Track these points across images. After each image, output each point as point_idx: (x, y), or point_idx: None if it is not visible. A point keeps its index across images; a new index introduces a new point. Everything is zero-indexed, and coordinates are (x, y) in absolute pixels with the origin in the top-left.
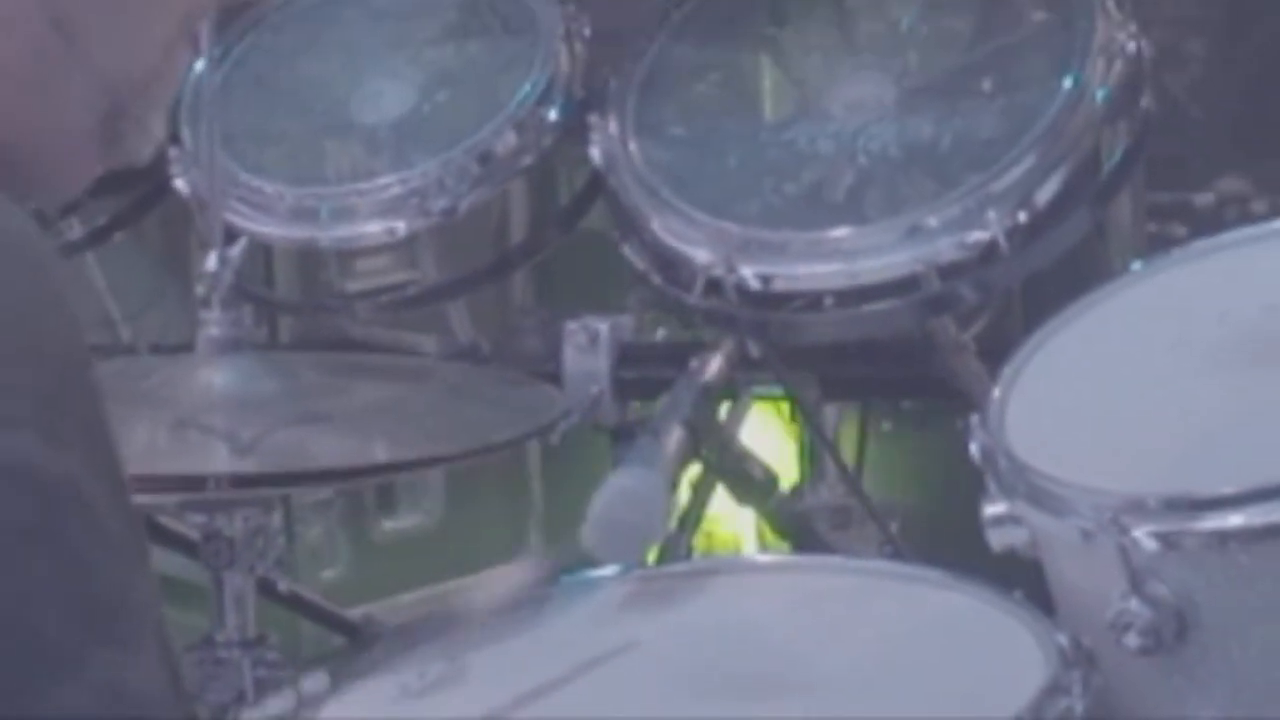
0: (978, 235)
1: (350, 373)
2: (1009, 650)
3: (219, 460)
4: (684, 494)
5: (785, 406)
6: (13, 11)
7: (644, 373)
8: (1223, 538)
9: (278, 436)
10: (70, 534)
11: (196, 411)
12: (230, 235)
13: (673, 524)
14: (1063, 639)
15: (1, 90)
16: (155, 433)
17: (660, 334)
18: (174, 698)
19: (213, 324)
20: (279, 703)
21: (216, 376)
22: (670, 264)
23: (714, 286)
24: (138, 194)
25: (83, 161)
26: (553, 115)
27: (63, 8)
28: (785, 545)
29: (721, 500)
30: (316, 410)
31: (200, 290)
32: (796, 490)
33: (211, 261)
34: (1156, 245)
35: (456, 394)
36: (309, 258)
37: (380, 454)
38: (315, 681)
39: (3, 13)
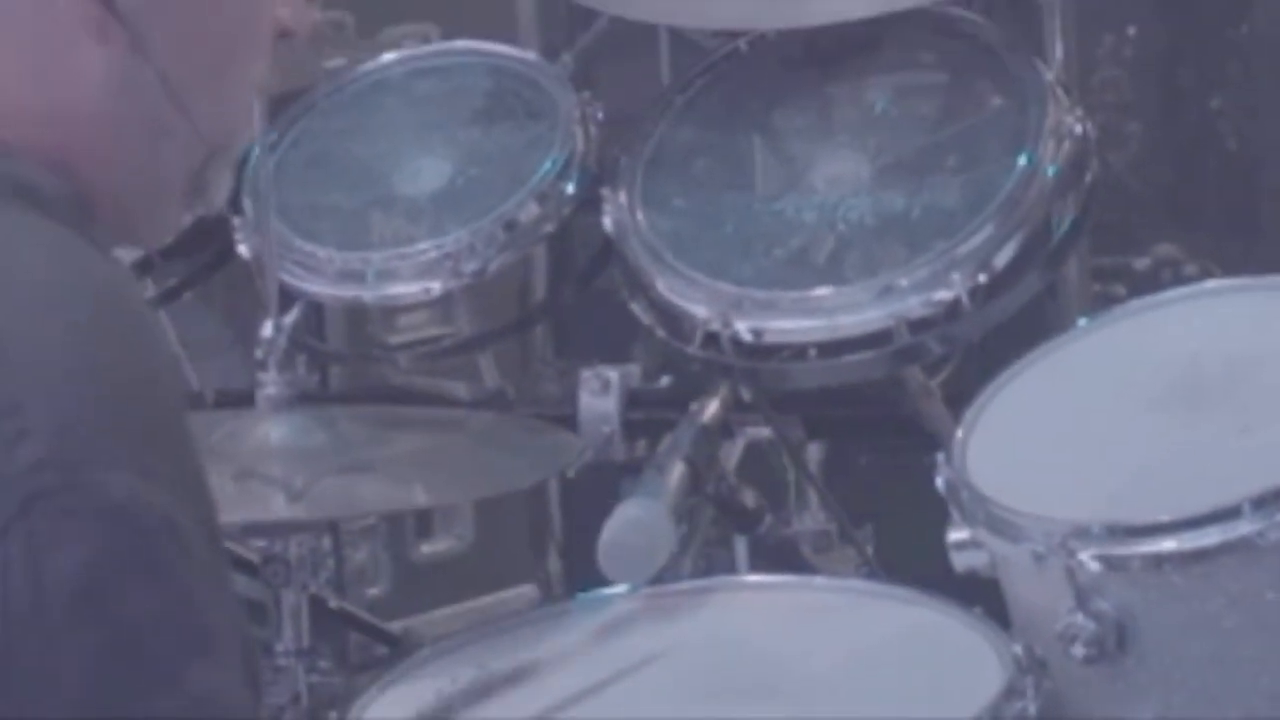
0: (943, 294)
1: (390, 424)
2: (971, 659)
3: (277, 507)
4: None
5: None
6: (134, 76)
7: (649, 415)
8: (1158, 560)
9: (326, 483)
10: (165, 562)
11: (257, 462)
12: (286, 294)
13: (675, 547)
14: (1018, 649)
15: (119, 146)
16: (223, 482)
17: (664, 381)
18: (256, 705)
19: (270, 384)
20: None
21: (273, 431)
22: (673, 319)
23: (711, 339)
24: (205, 258)
25: (175, 209)
26: (570, 189)
27: (175, 73)
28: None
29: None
30: (360, 459)
31: (259, 353)
32: (783, 517)
33: (268, 329)
34: (1100, 304)
35: (484, 442)
36: (356, 314)
37: (418, 497)
38: None
39: (125, 78)
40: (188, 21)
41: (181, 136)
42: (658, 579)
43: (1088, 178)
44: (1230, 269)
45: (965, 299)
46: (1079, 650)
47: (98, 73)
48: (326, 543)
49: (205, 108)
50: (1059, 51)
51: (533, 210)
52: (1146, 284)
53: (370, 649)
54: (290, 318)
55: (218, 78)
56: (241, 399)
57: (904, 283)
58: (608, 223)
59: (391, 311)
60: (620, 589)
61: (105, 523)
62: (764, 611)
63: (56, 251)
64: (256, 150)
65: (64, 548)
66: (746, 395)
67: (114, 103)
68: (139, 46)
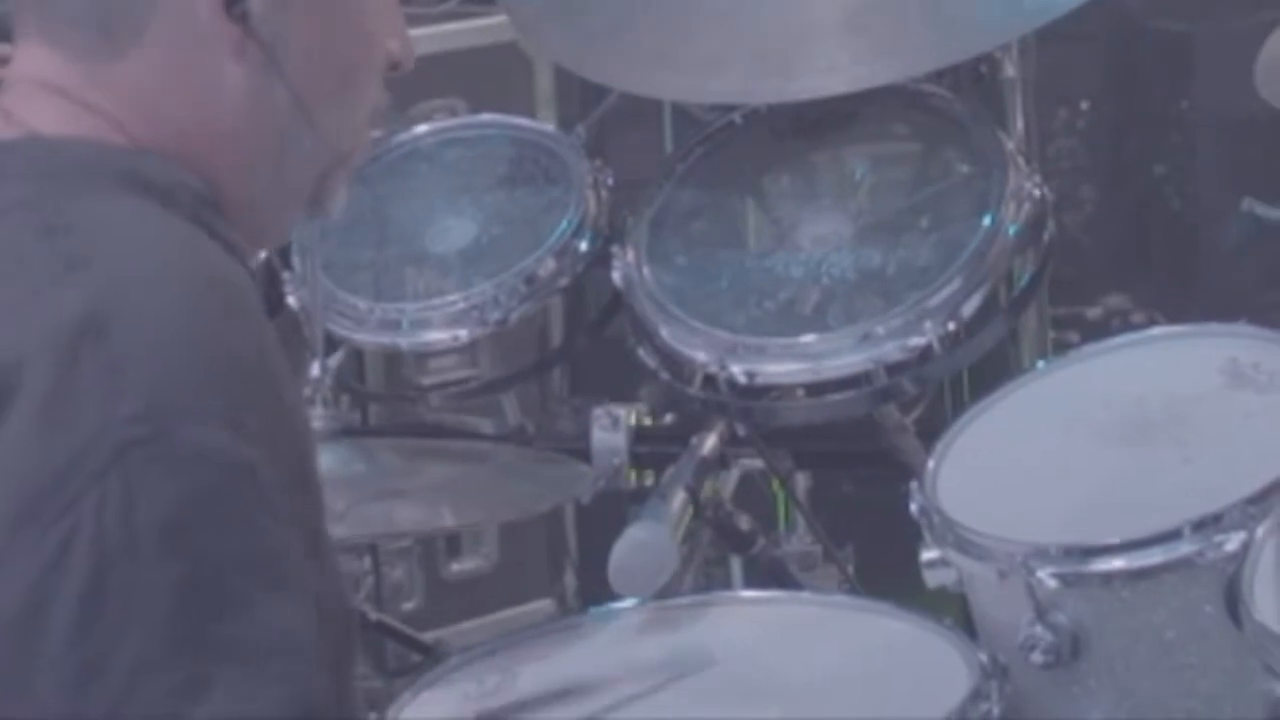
0: (916, 341)
1: (422, 456)
2: (941, 665)
3: None
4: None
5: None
6: (267, 91)
7: (654, 448)
8: (1108, 578)
9: (365, 507)
10: (245, 508)
11: None
12: (330, 340)
13: (677, 566)
14: (983, 657)
15: (251, 155)
16: None
17: (667, 418)
18: (317, 635)
19: (316, 419)
20: None
21: (319, 461)
22: (675, 363)
23: (709, 381)
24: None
25: (294, 216)
26: (583, 246)
27: (303, 90)
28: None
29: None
30: (396, 487)
31: (307, 392)
32: (774, 539)
33: (315, 371)
34: (1056, 349)
35: (507, 471)
36: (392, 359)
37: (447, 521)
38: None
39: (259, 92)
40: (316, 43)
41: (306, 148)
42: (662, 594)
43: (1045, 236)
44: (1173, 317)
45: (936, 345)
46: (1038, 658)
47: (235, 87)
48: (366, 561)
49: (329, 122)
50: (1019, 123)
51: (550, 266)
52: (1098, 331)
53: (405, 657)
54: (334, 361)
55: (340, 95)
56: None
57: (881, 330)
58: (617, 277)
59: (424, 356)
60: (629, 603)
61: (190, 470)
62: (757, 623)
63: (173, 235)
64: None
65: (152, 491)
66: (741, 431)
67: (248, 115)
68: (272, 65)
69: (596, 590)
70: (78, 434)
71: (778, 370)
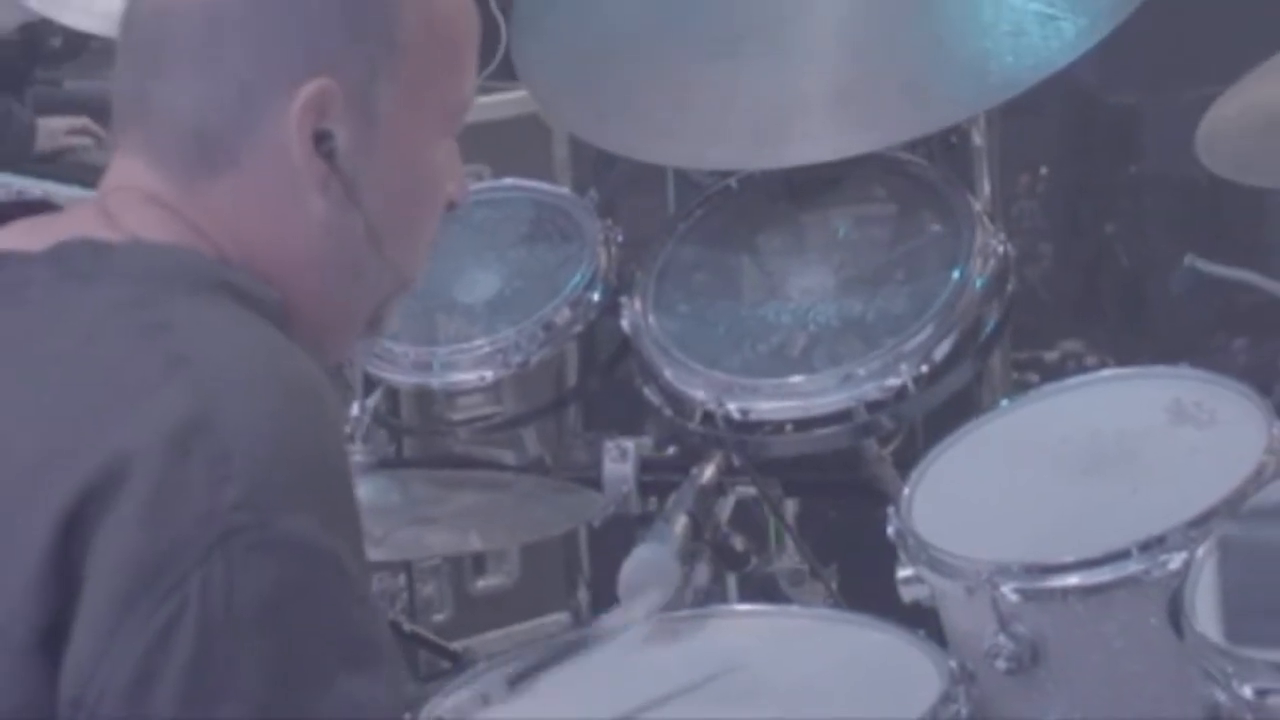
0: (893, 381)
1: (451, 485)
2: (915, 671)
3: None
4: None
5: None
6: (345, 223)
7: (659, 477)
8: (1064, 593)
9: (401, 532)
10: (331, 592)
11: None
12: (368, 381)
13: (679, 582)
14: (953, 663)
15: (324, 278)
16: None
17: (670, 450)
18: (401, 710)
19: (356, 453)
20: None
21: (359, 490)
22: (677, 401)
23: (708, 417)
24: None
25: (353, 337)
26: (596, 297)
27: (378, 221)
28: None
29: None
30: (428, 513)
31: (347, 429)
32: (765, 558)
33: (355, 409)
34: (1018, 389)
35: (527, 498)
36: (424, 397)
37: (474, 543)
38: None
39: (338, 223)
40: (390, 182)
41: (373, 275)
42: (666, 607)
43: (1008, 288)
44: (1123, 360)
45: (911, 385)
46: (1001, 664)
47: (317, 216)
48: (401, 579)
49: (397, 252)
50: (985, 187)
51: (566, 314)
52: (1055, 373)
53: (436, 664)
54: (372, 400)
55: (407, 228)
56: None
57: (862, 372)
58: (625, 324)
59: (453, 395)
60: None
61: (285, 557)
62: (750, 633)
63: (264, 339)
64: None
65: (251, 574)
66: (736, 462)
67: (326, 243)
68: (352, 198)
69: (607, 604)
70: (185, 519)
71: (769, 407)
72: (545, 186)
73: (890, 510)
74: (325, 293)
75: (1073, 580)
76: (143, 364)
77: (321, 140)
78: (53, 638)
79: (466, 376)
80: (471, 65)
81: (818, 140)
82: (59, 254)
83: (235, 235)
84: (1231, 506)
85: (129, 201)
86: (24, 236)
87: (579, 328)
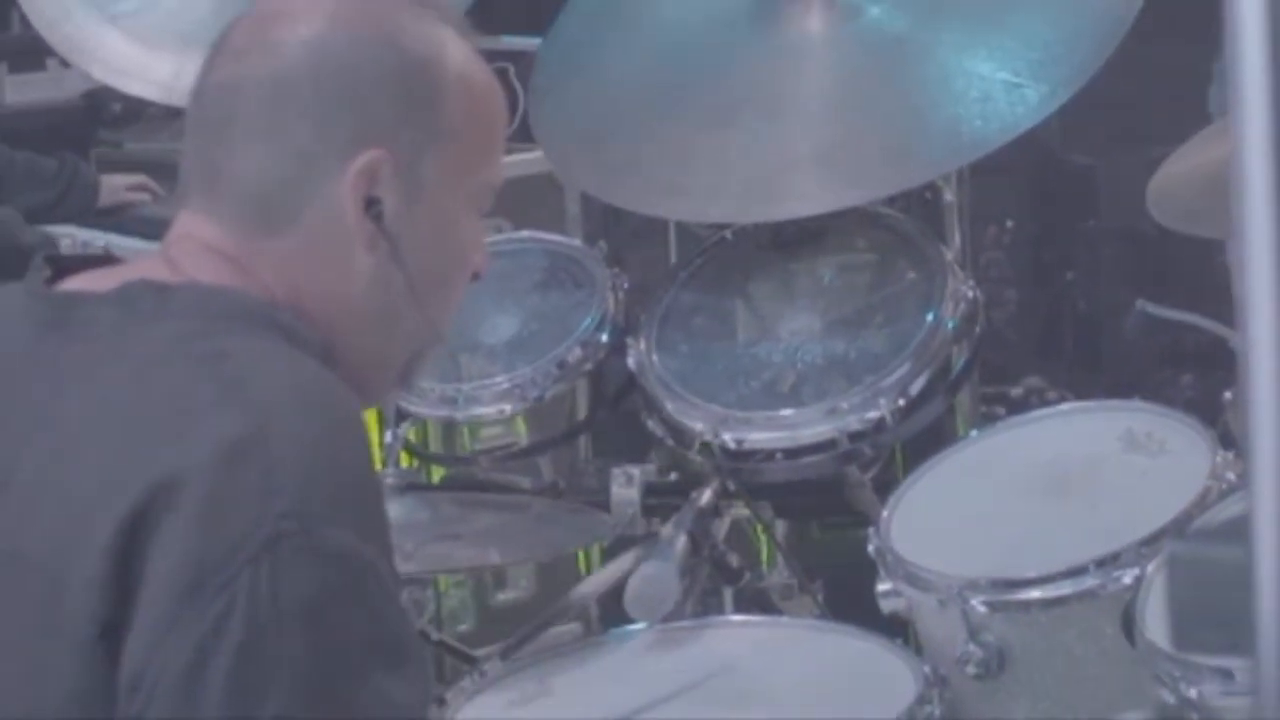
0: (873, 414)
1: (474, 506)
2: (893, 676)
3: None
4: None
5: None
6: (388, 278)
7: (661, 500)
8: (1027, 605)
9: (429, 548)
10: (367, 597)
11: None
12: (400, 413)
13: (680, 596)
14: (927, 669)
15: (365, 329)
16: None
17: (672, 476)
18: (427, 706)
19: (389, 476)
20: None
21: (391, 510)
22: (678, 432)
23: (706, 446)
24: None
25: (387, 386)
26: (604, 338)
27: (417, 278)
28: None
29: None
30: (453, 531)
31: (381, 455)
32: (758, 574)
33: (388, 437)
34: (985, 420)
35: (543, 519)
36: (450, 428)
37: (494, 558)
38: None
39: (382, 278)
40: (429, 244)
41: (410, 328)
42: (668, 618)
43: (977, 330)
44: (1080, 395)
45: (889, 417)
46: (971, 670)
47: (364, 271)
48: (429, 592)
49: (432, 308)
50: (956, 239)
51: (577, 354)
52: (1019, 406)
53: (460, 669)
54: (403, 430)
55: (442, 287)
56: None
57: (845, 405)
58: (631, 362)
59: (476, 426)
60: (641, 626)
61: (326, 561)
62: (745, 641)
63: (310, 370)
64: None
65: (296, 575)
66: (731, 487)
67: (371, 294)
68: (395, 256)
69: (615, 615)
70: (237, 525)
71: (761, 438)
72: (559, 238)
73: (870, 530)
74: (367, 338)
75: (1035, 593)
76: (201, 388)
77: (371, 204)
78: (113, 630)
79: (488, 410)
80: (501, 149)
81: (805, 196)
82: (125, 294)
83: (288, 284)
84: (1179, 527)
85: (189, 250)
86: (95, 281)
87: (589, 366)
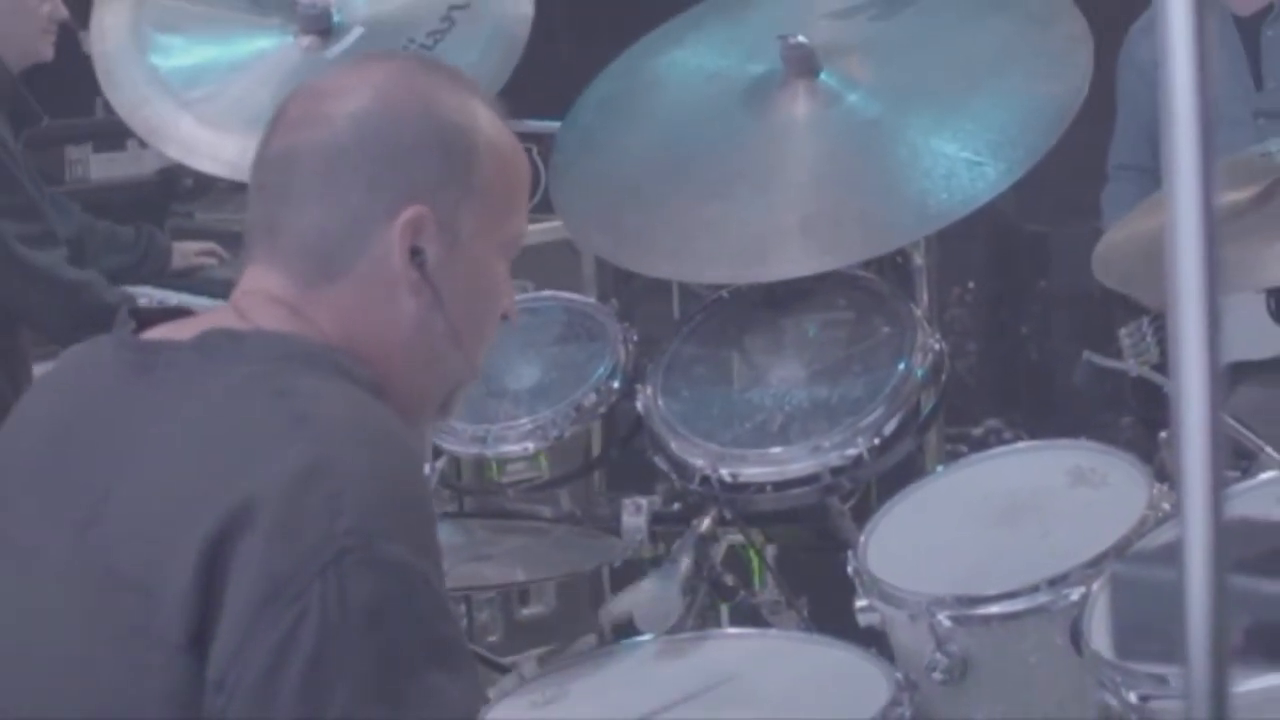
0: (852, 451)
1: (502, 531)
2: (869, 681)
3: None
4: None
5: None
6: (430, 321)
7: (666, 528)
8: (988, 619)
9: (462, 568)
10: (422, 605)
11: None
12: (436, 450)
13: (682, 611)
14: (899, 675)
15: (408, 368)
16: None
17: (675, 506)
18: (479, 704)
19: None
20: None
21: None
22: (681, 467)
23: (705, 480)
24: None
25: (430, 416)
26: (616, 385)
27: (457, 320)
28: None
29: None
30: (484, 553)
31: None
32: (750, 592)
33: (427, 470)
34: (950, 457)
35: (562, 543)
36: (480, 463)
37: (520, 577)
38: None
39: (424, 322)
40: (466, 290)
41: (450, 364)
42: (672, 631)
43: (943, 377)
44: (1034, 435)
45: (866, 455)
46: (938, 676)
47: (409, 314)
48: (462, 607)
49: (469, 348)
50: (924, 297)
51: (592, 399)
52: (980, 444)
53: (489, 677)
54: (439, 465)
55: (476, 329)
56: None
57: (827, 444)
58: (639, 406)
59: (503, 461)
60: (648, 638)
61: (386, 573)
62: (739, 651)
63: (368, 405)
64: None
65: (360, 585)
66: (728, 515)
67: (416, 335)
68: (437, 301)
69: (626, 628)
70: (307, 542)
71: (754, 472)
72: (575, 297)
73: (849, 553)
74: (412, 374)
75: (994, 609)
76: (272, 421)
77: (415, 254)
78: (199, 638)
79: (514, 448)
80: (526, 204)
81: (792, 260)
82: (202, 341)
83: (343, 328)
84: (1120, 550)
85: (256, 301)
86: (174, 330)
87: (603, 409)
